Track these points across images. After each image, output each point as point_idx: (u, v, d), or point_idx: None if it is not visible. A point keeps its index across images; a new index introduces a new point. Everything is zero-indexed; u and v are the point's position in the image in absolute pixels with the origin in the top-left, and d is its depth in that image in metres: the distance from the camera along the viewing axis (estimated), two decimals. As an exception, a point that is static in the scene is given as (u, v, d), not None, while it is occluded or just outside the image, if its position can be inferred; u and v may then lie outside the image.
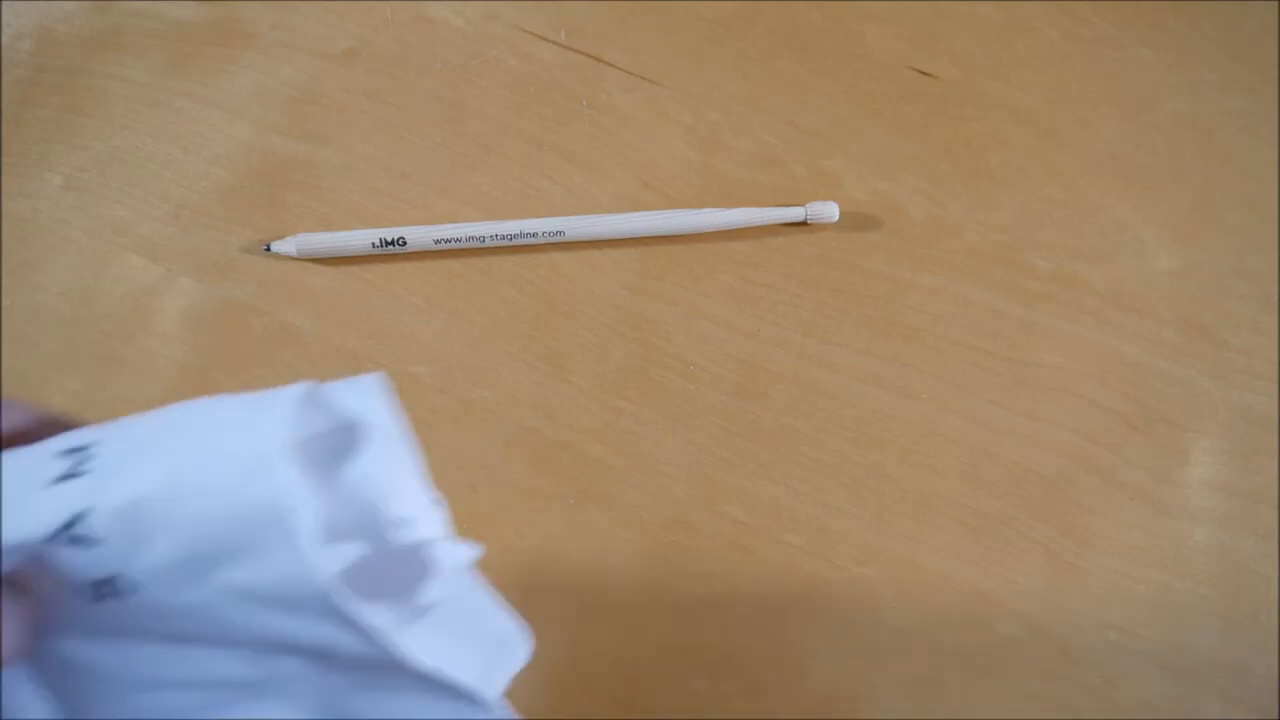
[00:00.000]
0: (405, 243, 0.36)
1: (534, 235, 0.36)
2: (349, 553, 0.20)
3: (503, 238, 0.36)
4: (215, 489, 0.19)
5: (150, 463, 0.19)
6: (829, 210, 0.36)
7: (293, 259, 0.37)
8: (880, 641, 0.31)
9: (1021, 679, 0.30)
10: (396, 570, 0.21)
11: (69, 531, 0.18)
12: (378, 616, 0.20)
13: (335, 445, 0.20)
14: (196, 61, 0.41)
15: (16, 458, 0.19)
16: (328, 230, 0.37)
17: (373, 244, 0.36)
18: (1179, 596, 0.31)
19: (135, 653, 0.20)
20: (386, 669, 0.21)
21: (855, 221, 0.36)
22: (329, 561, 0.19)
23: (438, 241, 0.36)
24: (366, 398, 0.21)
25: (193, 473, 0.19)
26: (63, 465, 0.19)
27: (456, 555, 0.21)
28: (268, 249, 0.36)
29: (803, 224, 0.36)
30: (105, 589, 0.19)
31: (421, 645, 0.21)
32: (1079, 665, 0.30)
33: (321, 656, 0.21)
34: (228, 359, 0.34)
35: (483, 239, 0.36)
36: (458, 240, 0.36)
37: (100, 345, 0.36)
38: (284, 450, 0.19)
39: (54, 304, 0.37)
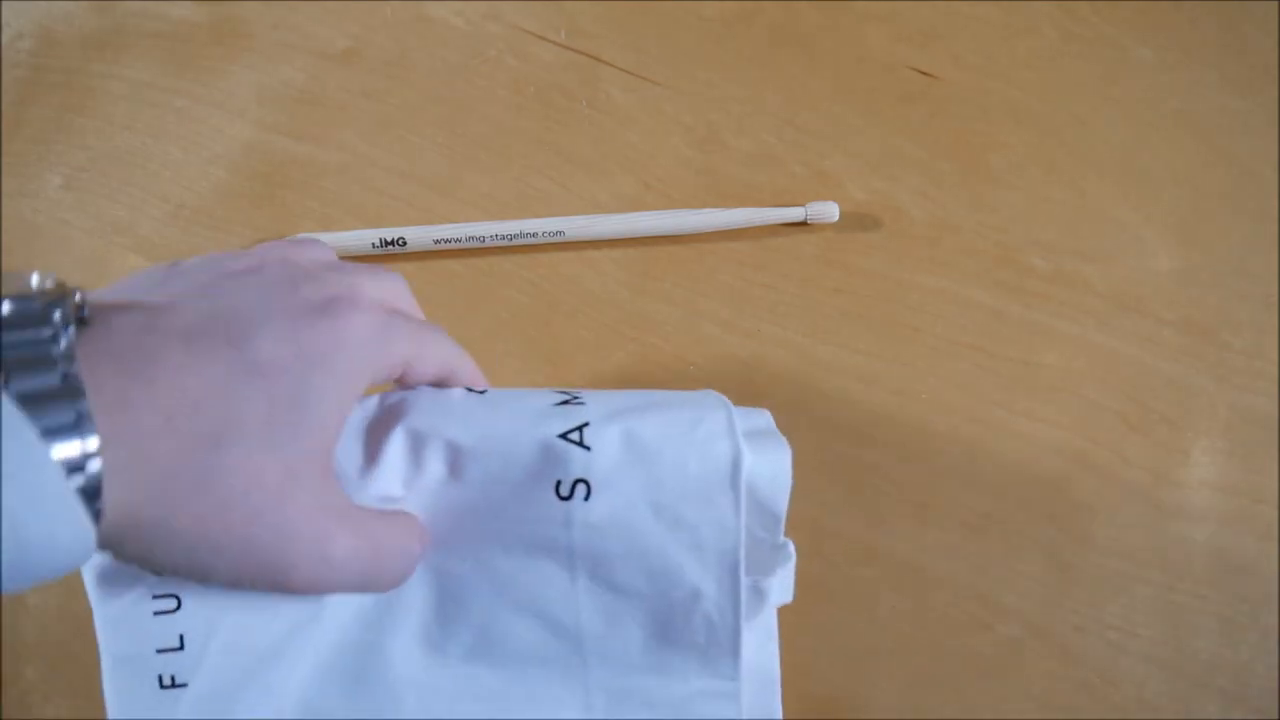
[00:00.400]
0: (405, 243, 0.36)
1: (534, 235, 0.36)
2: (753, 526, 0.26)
3: (503, 238, 0.36)
4: (684, 442, 0.24)
5: (628, 413, 0.24)
6: (829, 210, 0.36)
7: (293, 259, 0.37)
8: (880, 641, 0.31)
9: (1021, 679, 0.30)
10: (760, 557, 0.26)
11: (574, 433, 0.24)
12: (743, 588, 0.24)
13: (754, 441, 0.25)
14: (196, 61, 0.41)
15: (524, 391, 0.26)
16: (328, 230, 0.37)
17: (373, 244, 0.36)
18: (1179, 596, 0.31)
19: (531, 564, 0.24)
20: (700, 657, 0.25)
21: (855, 221, 0.36)
22: (743, 525, 0.24)
23: (438, 241, 0.36)
24: (764, 418, 0.27)
25: (665, 424, 0.24)
26: (560, 398, 0.25)
27: (793, 558, 0.27)
28: (268, 249, 0.36)
29: (803, 224, 0.36)
30: (574, 488, 0.24)
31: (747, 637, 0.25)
32: (1079, 665, 0.30)
33: (665, 610, 0.25)
34: (228, 359, 0.34)
35: (483, 239, 0.36)
36: (458, 240, 0.36)
37: (100, 345, 0.36)
38: (737, 429, 0.25)
39: (54, 304, 0.37)
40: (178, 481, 0.18)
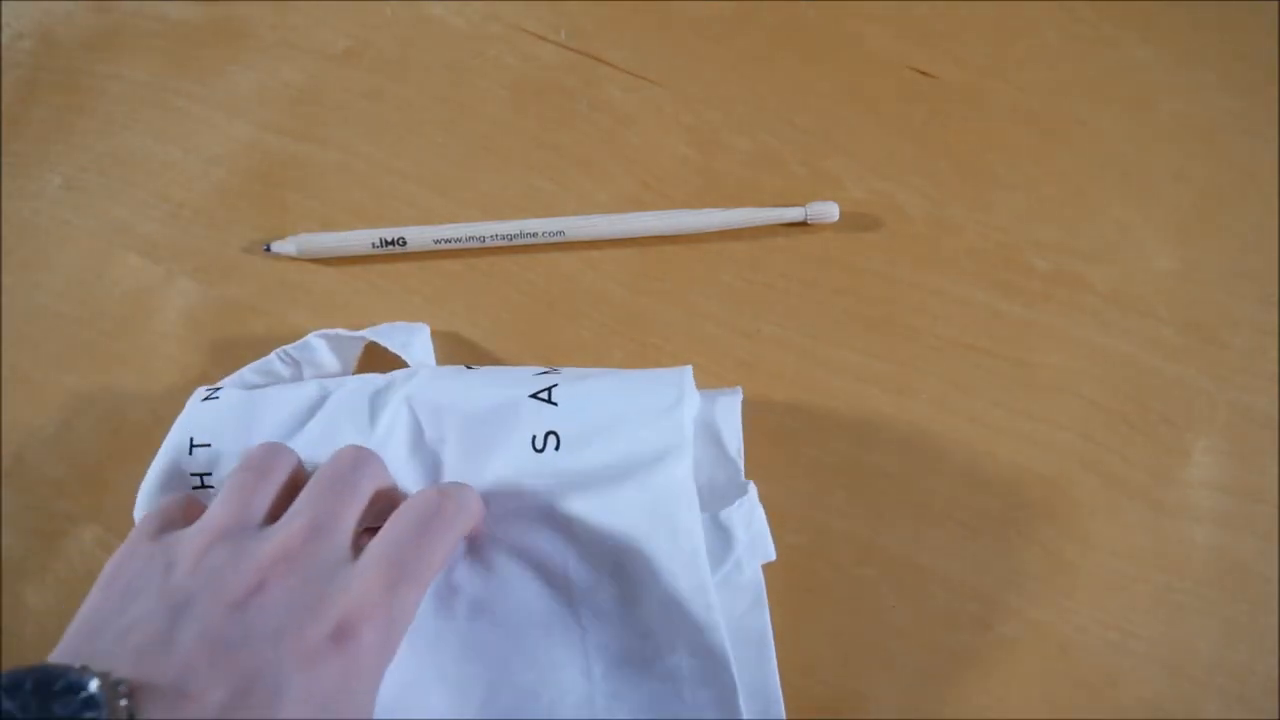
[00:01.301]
0: (405, 243, 0.36)
1: (534, 235, 0.36)
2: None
3: (503, 238, 0.36)
4: (639, 387, 0.28)
5: (592, 376, 0.29)
6: (829, 210, 0.36)
7: (293, 259, 0.37)
8: (880, 641, 0.31)
9: (1021, 679, 0.30)
10: (721, 496, 0.28)
11: (544, 393, 0.28)
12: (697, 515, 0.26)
13: (707, 392, 0.31)
14: (196, 61, 0.41)
15: (511, 368, 0.31)
16: (328, 230, 0.37)
17: (373, 244, 0.36)
18: (1179, 596, 0.31)
19: (521, 523, 0.27)
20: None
21: (855, 221, 0.36)
22: (690, 440, 0.27)
23: (438, 241, 0.36)
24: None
25: (623, 378, 0.29)
26: (541, 370, 0.29)
27: (753, 493, 0.28)
28: (268, 249, 0.36)
29: (803, 224, 0.36)
30: (546, 439, 0.27)
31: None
32: (1079, 665, 0.30)
33: (639, 556, 0.26)
34: (228, 359, 0.34)
35: (483, 239, 0.36)
36: (458, 240, 0.36)
37: (100, 345, 0.36)
38: (687, 377, 0.29)
39: (54, 304, 0.37)
40: None
